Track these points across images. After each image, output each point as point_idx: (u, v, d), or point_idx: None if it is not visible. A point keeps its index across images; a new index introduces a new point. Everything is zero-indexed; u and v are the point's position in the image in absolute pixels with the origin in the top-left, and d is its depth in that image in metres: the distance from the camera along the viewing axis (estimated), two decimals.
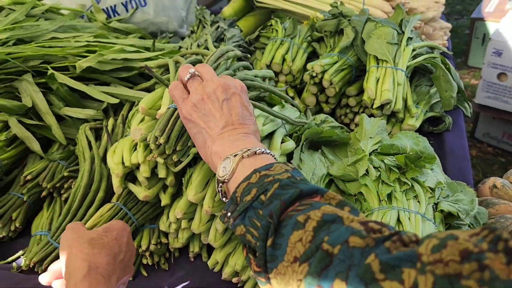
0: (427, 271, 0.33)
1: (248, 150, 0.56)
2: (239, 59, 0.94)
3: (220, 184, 0.58)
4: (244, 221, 0.49)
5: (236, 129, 0.60)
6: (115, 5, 1.50)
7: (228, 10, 1.57)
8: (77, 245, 0.59)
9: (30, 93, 1.03)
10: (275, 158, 0.58)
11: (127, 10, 1.50)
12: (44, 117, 1.03)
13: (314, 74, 1.12)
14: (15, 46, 1.05)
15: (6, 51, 1.02)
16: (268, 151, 0.58)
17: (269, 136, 0.78)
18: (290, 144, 0.80)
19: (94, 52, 1.12)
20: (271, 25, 1.37)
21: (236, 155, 0.56)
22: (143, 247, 0.85)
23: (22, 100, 1.02)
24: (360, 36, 1.14)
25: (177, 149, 0.68)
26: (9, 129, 1.00)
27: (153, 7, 1.48)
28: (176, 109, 0.69)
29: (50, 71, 1.05)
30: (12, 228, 0.93)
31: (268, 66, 1.23)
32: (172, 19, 1.50)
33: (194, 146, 0.71)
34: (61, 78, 1.05)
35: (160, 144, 0.68)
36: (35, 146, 0.99)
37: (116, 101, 1.06)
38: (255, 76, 0.92)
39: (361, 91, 1.15)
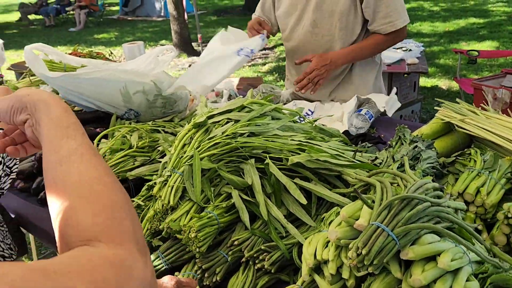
0: None
1: None
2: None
3: None
4: None
5: None
6: None
7: (426, 129, 1.66)
8: None
9: (251, 174, 1.29)
10: None
11: None
12: (256, 195, 1.27)
13: (509, 215, 1.11)
14: (248, 137, 1.34)
15: (242, 140, 1.31)
16: None
17: (454, 272, 0.83)
18: (475, 284, 0.83)
19: (303, 150, 1.35)
20: (470, 153, 1.41)
21: None
22: None
23: (245, 178, 1.28)
24: None
25: (373, 262, 0.79)
26: (230, 199, 1.26)
27: None
28: (378, 227, 0.82)
29: (268, 160, 1.30)
30: (213, 280, 1.16)
31: (460, 194, 1.26)
32: None
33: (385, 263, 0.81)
34: (272, 168, 1.29)
35: (361, 253, 0.80)
36: (245, 217, 1.22)
37: (304, 202, 1.23)
38: (448, 207, 0.99)
39: None
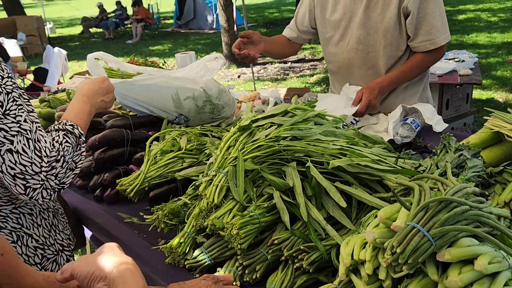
0: None
1: None
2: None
3: None
4: None
5: None
6: None
7: (474, 139, 1.63)
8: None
9: (292, 176, 1.33)
10: None
11: None
12: (297, 196, 1.30)
13: None
14: (291, 141, 1.38)
15: (285, 143, 1.36)
16: None
17: (492, 276, 0.83)
18: None
19: (345, 155, 1.37)
20: None
21: None
22: None
23: (286, 180, 1.32)
24: None
25: (408, 262, 0.81)
26: (271, 200, 1.31)
27: None
28: (414, 227, 0.83)
29: (309, 163, 1.34)
30: (253, 276, 1.20)
31: (507, 204, 1.23)
32: None
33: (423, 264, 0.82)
34: (313, 171, 1.32)
35: (395, 252, 0.82)
36: (286, 217, 1.26)
37: (344, 205, 1.24)
38: (490, 213, 0.98)
39: None
